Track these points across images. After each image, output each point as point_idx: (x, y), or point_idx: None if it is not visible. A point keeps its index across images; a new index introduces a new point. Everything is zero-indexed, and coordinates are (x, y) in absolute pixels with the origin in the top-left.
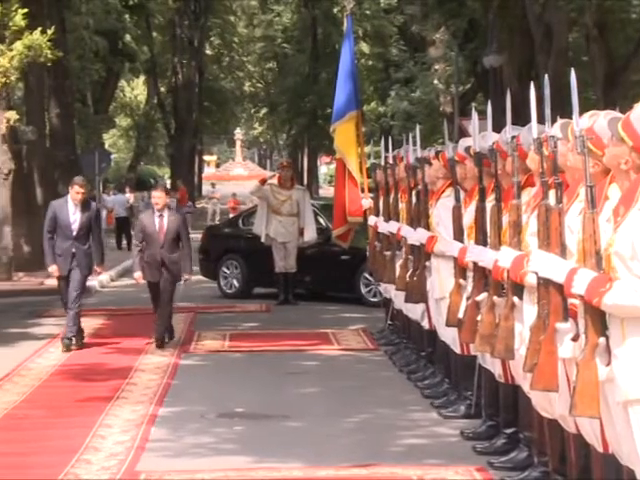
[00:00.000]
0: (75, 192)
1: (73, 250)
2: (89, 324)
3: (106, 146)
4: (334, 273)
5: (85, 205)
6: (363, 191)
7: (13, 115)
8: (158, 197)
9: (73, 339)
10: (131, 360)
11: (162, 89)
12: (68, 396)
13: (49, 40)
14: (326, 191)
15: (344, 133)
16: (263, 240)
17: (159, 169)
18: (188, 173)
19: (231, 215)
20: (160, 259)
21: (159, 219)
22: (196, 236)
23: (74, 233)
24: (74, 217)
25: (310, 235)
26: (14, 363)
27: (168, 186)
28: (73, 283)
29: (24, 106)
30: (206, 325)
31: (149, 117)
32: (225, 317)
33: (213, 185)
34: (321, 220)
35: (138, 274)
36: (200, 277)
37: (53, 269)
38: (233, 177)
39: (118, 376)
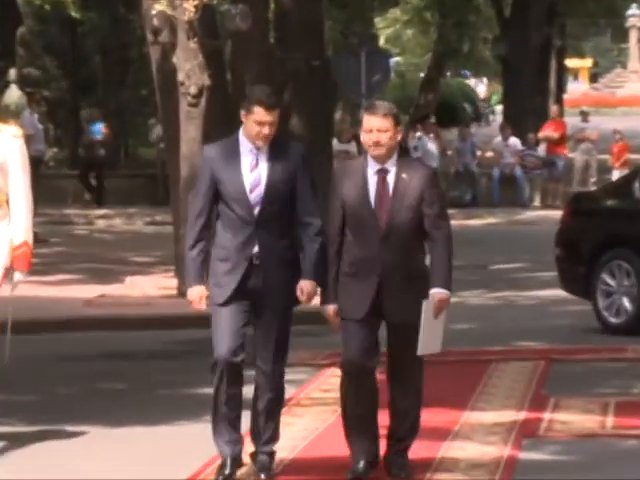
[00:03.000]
0: (255, 122)
1: (254, 250)
2: None
3: (381, 42)
4: None
5: (280, 150)
6: None
7: None
8: (381, 130)
9: (243, 459)
10: (432, 447)
11: None
12: None
13: None
14: None
15: None
16: None
17: (479, 85)
18: (535, 91)
19: (617, 173)
20: (381, 269)
21: (378, 180)
22: (551, 214)
23: (256, 211)
24: (254, 177)
25: None
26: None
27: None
28: (265, 339)
29: None
30: (569, 384)
31: None
32: (607, 369)
33: (584, 116)
34: None
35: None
36: (556, 292)
37: (193, 295)
38: (624, 100)
39: None
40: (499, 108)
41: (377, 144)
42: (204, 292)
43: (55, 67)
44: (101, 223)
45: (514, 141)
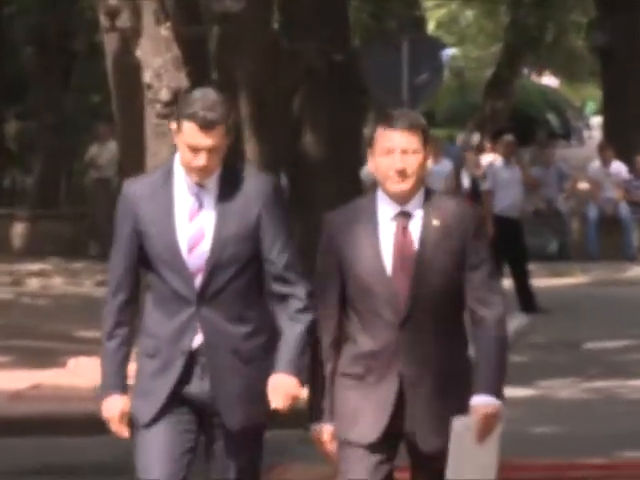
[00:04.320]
0: (186, 145)
1: (196, 341)
2: None
3: (430, 28)
4: None
5: (237, 186)
6: None
7: None
8: (407, 151)
9: None
10: None
11: None
12: None
13: None
14: None
15: None
16: None
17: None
18: None
19: None
20: (401, 368)
21: (397, 230)
22: None
23: (197, 281)
24: (195, 229)
25: None
26: None
27: None
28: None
29: None
30: None
31: None
32: None
33: None
34: None
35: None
36: None
37: (111, 410)
38: None
39: None
40: (597, 120)
41: (402, 174)
42: (126, 405)
43: None
44: (34, 283)
45: (618, 167)
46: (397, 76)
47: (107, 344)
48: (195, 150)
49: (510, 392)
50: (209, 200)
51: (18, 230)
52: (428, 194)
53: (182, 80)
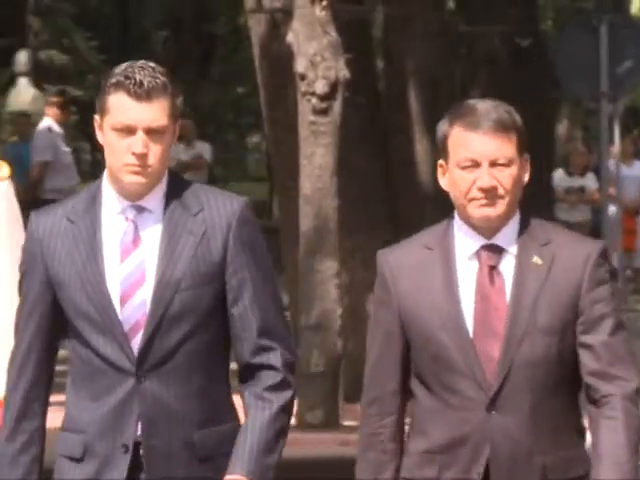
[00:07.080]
0: (116, 130)
1: (136, 429)
2: None
3: (635, 7)
4: None
5: (190, 207)
6: None
7: None
8: (497, 162)
9: None
10: None
11: None
12: None
13: None
14: None
15: None
16: None
17: None
18: None
19: None
20: (486, 463)
21: (481, 274)
22: None
23: (136, 344)
24: (129, 269)
25: None
26: None
27: None
28: None
29: None
30: None
31: None
32: None
33: None
34: None
35: None
36: None
37: None
38: None
39: None
40: None
41: (490, 193)
42: None
43: (95, 50)
44: None
45: None
46: (595, 64)
47: (6, 446)
48: (127, 132)
49: None
50: (152, 228)
51: None
52: (526, 222)
53: (341, 69)
